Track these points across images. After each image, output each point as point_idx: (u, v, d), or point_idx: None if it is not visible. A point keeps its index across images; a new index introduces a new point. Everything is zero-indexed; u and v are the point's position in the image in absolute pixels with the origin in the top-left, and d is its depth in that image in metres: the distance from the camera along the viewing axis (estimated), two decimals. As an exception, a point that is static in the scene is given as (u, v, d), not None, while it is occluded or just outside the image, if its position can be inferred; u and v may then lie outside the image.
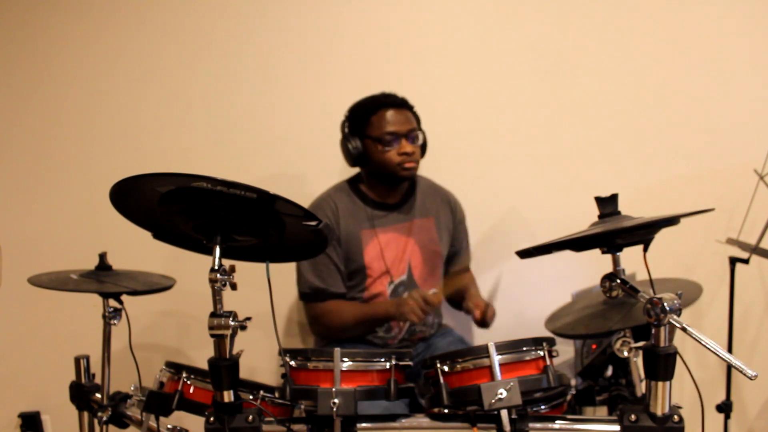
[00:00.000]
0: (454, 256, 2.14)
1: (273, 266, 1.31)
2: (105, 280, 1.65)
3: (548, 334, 1.51)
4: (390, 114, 1.91)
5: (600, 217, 1.31)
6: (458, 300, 2.10)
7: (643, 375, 1.26)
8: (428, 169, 2.16)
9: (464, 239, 2.17)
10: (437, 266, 2.06)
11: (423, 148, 2.00)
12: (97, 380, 1.65)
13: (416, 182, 2.10)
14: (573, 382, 1.74)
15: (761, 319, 2.33)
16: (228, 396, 1.23)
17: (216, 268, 1.20)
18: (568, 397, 1.58)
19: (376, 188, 2.01)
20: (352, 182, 2.05)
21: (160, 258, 1.95)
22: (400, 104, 1.94)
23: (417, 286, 2.00)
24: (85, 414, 1.66)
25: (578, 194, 2.18)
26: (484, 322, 1.86)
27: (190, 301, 2.24)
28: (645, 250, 1.27)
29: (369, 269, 1.97)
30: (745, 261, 2.04)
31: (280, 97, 2.28)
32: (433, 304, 1.78)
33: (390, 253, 1.99)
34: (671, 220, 1.21)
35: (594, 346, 1.81)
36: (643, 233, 1.25)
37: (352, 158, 1.95)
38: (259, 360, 2.34)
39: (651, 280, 1.32)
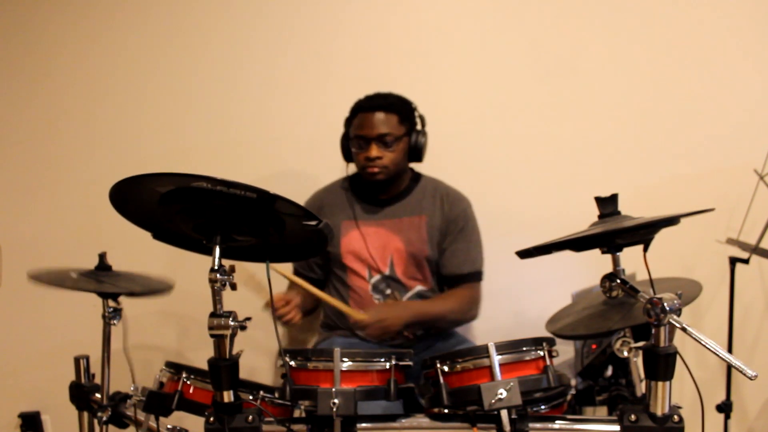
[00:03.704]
0: (448, 258, 2.01)
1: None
2: (104, 281, 1.65)
3: (548, 334, 1.51)
4: (364, 117, 1.92)
5: (600, 217, 1.31)
6: None
7: (643, 375, 1.26)
8: (428, 168, 2.16)
9: (460, 242, 2.01)
10: (423, 266, 2.02)
11: (414, 152, 1.98)
12: (97, 380, 1.65)
13: (419, 180, 2.10)
14: (573, 382, 1.73)
15: (761, 319, 2.33)
16: (228, 396, 1.23)
17: (216, 268, 1.20)
18: (568, 397, 1.57)
19: (366, 184, 2.02)
20: (352, 177, 2.09)
21: (159, 258, 1.95)
22: (379, 107, 1.92)
23: (401, 283, 2.00)
24: (85, 414, 1.66)
25: (578, 194, 2.18)
26: (362, 328, 1.85)
27: (190, 301, 2.24)
28: (645, 250, 1.27)
29: (345, 259, 1.99)
30: (745, 261, 2.04)
31: (280, 96, 2.28)
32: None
33: (370, 246, 1.99)
34: (671, 220, 1.21)
35: (594, 346, 1.80)
36: (643, 233, 1.25)
37: (343, 154, 2.03)
38: (259, 360, 2.34)
39: (651, 280, 1.31)
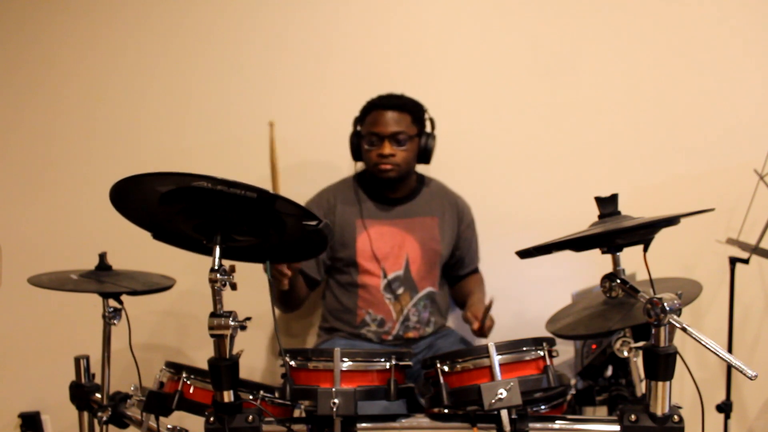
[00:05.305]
0: (461, 260, 2.14)
1: (273, 266, 1.31)
2: (105, 280, 1.65)
3: (548, 334, 1.51)
4: (378, 114, 1.94)
5: (600, 217, 1.31)
6: (462, 302, 2.11)
7: (643, 375, 1.26)
8: (428, 168, 2.16)
9: (472, 243, 2.16)
10: (435, 265, 2.06)
11: (424, 152, 2.01)
12: (97, 380, 1.65)
13: (425, 182, 2.11)
14: (573, 382, 1.74)
15: (761, 319, 2.33)
16: (228, 396, 1.23)
17: (216, 268, 1.20)
18: (568, 397, 1.58)
19: (376, 183, 2.02)
20: (360, 175, 2.09)
21: (160, 258, 1.95)
22: (393, 106, 1.94)
23: (413, 283, 2.00)
24: (85, 414, 1.66)
25: (578, 194, 2.18)
26: (481, 333, 1.82)
27: (190, 301, 2.24)
28: (645, 250, 1.27)
29: (360, 257, 1.98)
30: (745, 261, 2.04)
31: (281, 96, 2.28)
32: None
33: (384, 245, 1.99)
34: (671, 220, 1.21)
35: (594, 346, 1.81)
36: (643, 233, 1.25)
37: (352, 152, 2.03)
38: (259, 360, 2.34)
39: (651, 280, 1.31)
